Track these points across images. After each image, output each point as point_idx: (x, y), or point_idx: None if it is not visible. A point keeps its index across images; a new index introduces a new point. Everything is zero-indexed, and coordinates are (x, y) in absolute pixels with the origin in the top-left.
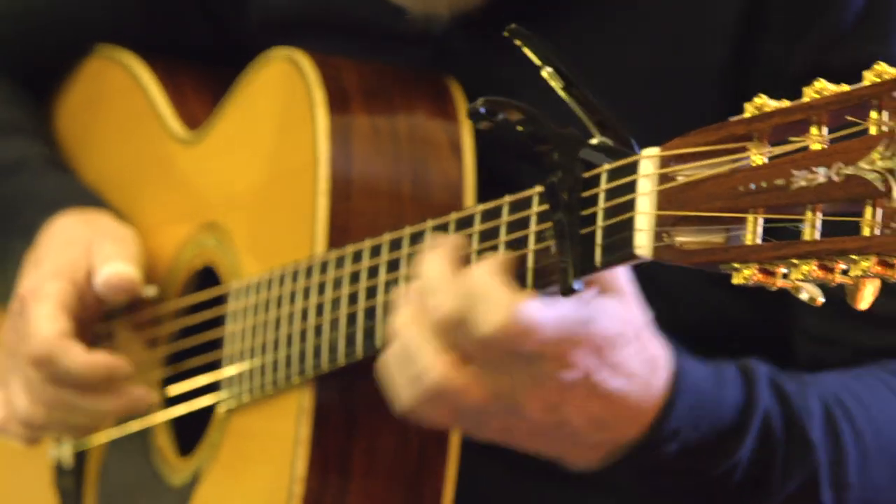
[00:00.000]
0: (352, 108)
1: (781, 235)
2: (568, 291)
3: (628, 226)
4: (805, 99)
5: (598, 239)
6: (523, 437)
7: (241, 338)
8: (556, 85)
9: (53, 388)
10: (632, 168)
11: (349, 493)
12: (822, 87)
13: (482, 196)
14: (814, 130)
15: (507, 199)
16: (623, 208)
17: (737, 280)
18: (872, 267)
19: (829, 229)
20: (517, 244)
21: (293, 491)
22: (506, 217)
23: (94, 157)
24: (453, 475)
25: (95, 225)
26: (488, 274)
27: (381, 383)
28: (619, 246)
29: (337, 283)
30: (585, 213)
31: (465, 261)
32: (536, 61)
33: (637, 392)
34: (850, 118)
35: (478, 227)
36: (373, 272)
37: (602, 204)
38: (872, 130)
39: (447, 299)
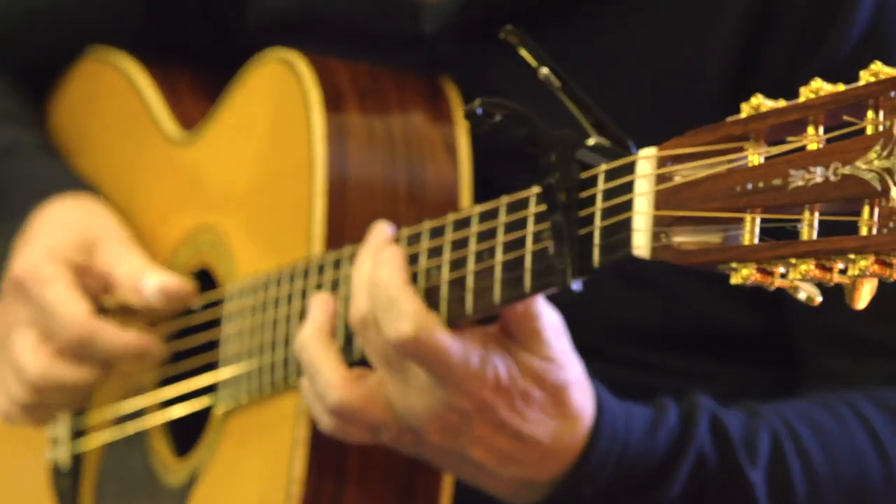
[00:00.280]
0: (347, 109)
1: (779, 235)
2: (566, 292)
3: (626, 226)
4: (801, 99)
5: (596, 239)
6: (433, 458)
7: (238, 339)
8: (553, 85)
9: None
10: (629, 168)
11: (346, 493)
12: (818, 87)
13: (477, 199)
14: (811, 130)
15: (505, 199)
16: (621, 209)
17: (735, 280)
18: (870, 266)
19: (826, 229)
20: (514, 245)
21: (291, 492)
22: (503, 218)
23: (89, 160)
24: (450, 476)
25: (87, 212)
26: (395, 283)
27: None
28: (616, 246)
29: (334, 285)
30: (583, 213)
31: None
32: (533, 62)
33: (550, 439)
34: (846, 118)
35: (475, 228)
36: None
37: (600, 204)
38: (869, 130)
39: (359, 297)
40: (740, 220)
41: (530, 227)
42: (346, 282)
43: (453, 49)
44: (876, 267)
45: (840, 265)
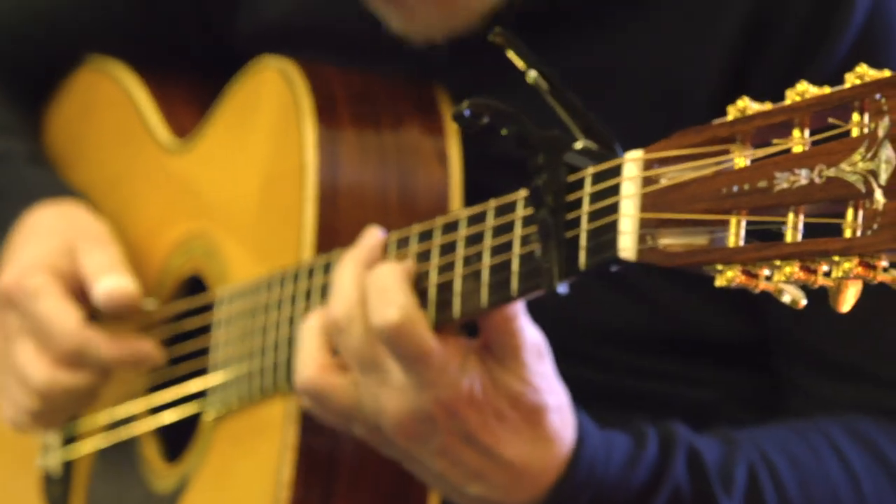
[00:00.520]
0: (339, 116)
1: (764, 238)
2: (552, 294)
3: (612, 228)
4: (787, 101)
5: (583, 242)
6: (403, 463)
7: (228, 345)
8: (541, 88)
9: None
10: (616, 171)
11: (335, 498)
12: (804, 90)
13: (468, 205)
14: (796, 133)
15: (493, 203)
16: (607, 211)
17: (720, 282)
18: (854, 268)
19: (811, 232)
20: (502, 249)
21: (279, 496)
22: (491, 221)
23: (84, 168)
24: None
25: (72, 218)
26: (392, 273)
27: None
28: (603, 248)
29: (324, 290)
30: (570, 216)
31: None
32: (521, 65)
33: (522, 462)
34: (832, 120)
35: (463, 231)
36: None
37: (586, 207)
38: (854, 132)
39: (347, 292)
40: (726, 223)
41: (517, 231)
42: None
43: (446, 59)
44: (860, 269)
45: (824, 267)
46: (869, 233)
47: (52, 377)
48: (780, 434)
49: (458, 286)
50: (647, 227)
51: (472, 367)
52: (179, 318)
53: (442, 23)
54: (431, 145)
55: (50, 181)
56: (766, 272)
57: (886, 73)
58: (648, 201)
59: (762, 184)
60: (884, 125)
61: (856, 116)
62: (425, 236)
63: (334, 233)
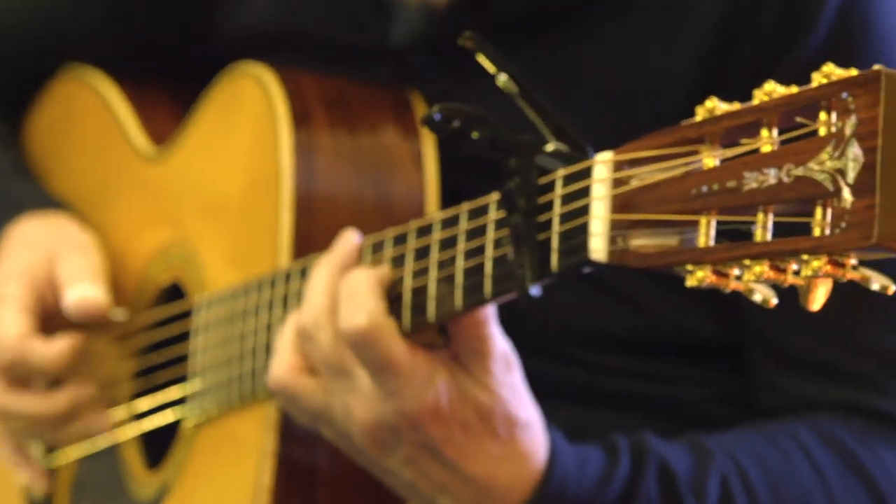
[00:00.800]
0: (315, 122)
1: (734, 237)
2: (525, 297)
3: (583, 230)
4: (755, 101)
5: (555, 244)
6: (372, 471)
7: (207, 352)
8: (511, 91)
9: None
10: (586, 173)
11: (315, 503)
12: (771, 90)
13: (443, 208)
14: (764, 132)
15: (466, 206)
16: (578, 213)
17: (691, 282)
18: (823, 266)
19: (781, 232)
20: (475, 252)
21: (259, 502)
22: (464, 225)
23: (63, 178)
24: None
25: (56, 230)
26: (364, 279)
27: None
28: (574, 251)
29: (300, 295)
30: (542, 218)
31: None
32: (491, 69)
33: (490, 477)
34: (799, 119)
35: (437, 234)
36: None
37: (558, 209)
38: (822, 131)
39: (317, 299)
40: (696, 223)
41: (490, 234)
42: None
43: (423, 61)
44: (829, 267)
45: (794, 266)
46: (837, 231)
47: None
48: (750, 439)
49: (432, 290)
50: (618, 229)
51: (439, 379)
52: (159, 326)
53: None
54: (407, 149)
55: (35, 193)
56: (736, 272)
57: (853, 71)
58: (619, 203)
59: (731, 184)
60: (851, 124)
61: (823, 115)
62: (400, 240)
63: (311, 238)
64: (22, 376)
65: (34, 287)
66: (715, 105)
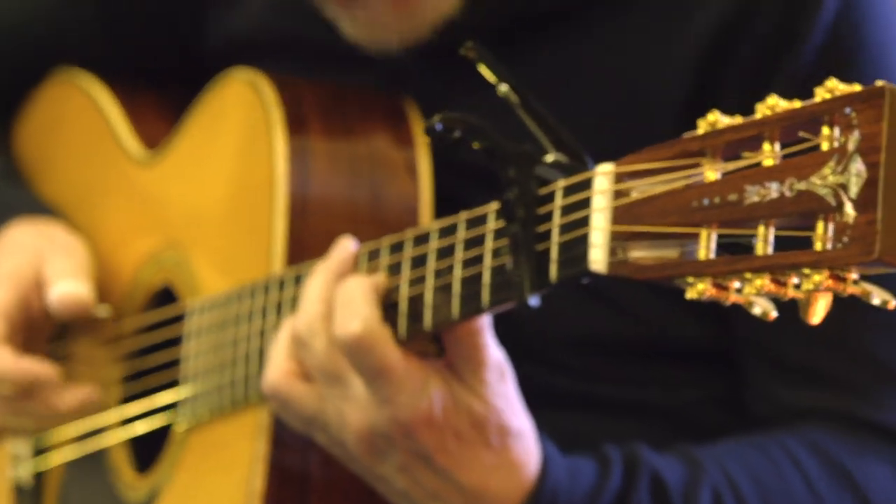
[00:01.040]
0: (309, 128)
1: (735, 251)
2: (523, 307)
3: (583, 242)
4: (758, 115)
5: (554, 255)
6: (366, 478)
7: (199, 357)
8: (512, 102)
9: None
10: (586, 184)
11: None
12: (774, 104)
13: (437, 215)
14: (766, 146)
15: (464, 215)
16: (578, 224)
17: (690, 295)
18: (825, 281)
19: (782, 245)
20: (473, 261)
21: None
22: (462, 234)
23: (54, 181)
24: None
25: (46, 235)
26: (360, 287)
27: None
28: (574, 262)
29: (294, 302)
30: (541, 229)
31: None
32: (492, 79)
33: (482, 486)
34: (802, 134)
35: (434, 244)
36: None
37: (557, 220)
38: (824, 146)
39: (312, 305)
40: (696, 236)
41: (489, 244)
42: None
43: (416, 66)
44: (830, 282)
45: (795, 280)
46: (839, 246)
47: None
48: (741, 451)
49: (429, 298)
50: (618, 240)
51: (433, 388)
52: (150, 330)
53: (397, 29)
54: (401, 157)
55: (25, 198)
56: (736, 285)
57: (856, 87)
58: (619, 214)
59: (733, 197)
60: (854, 139)
61: (826, 130)
62: (396, 248)
63: (305, 244)
64: None
65: (19, 290)
66: (717, 118)
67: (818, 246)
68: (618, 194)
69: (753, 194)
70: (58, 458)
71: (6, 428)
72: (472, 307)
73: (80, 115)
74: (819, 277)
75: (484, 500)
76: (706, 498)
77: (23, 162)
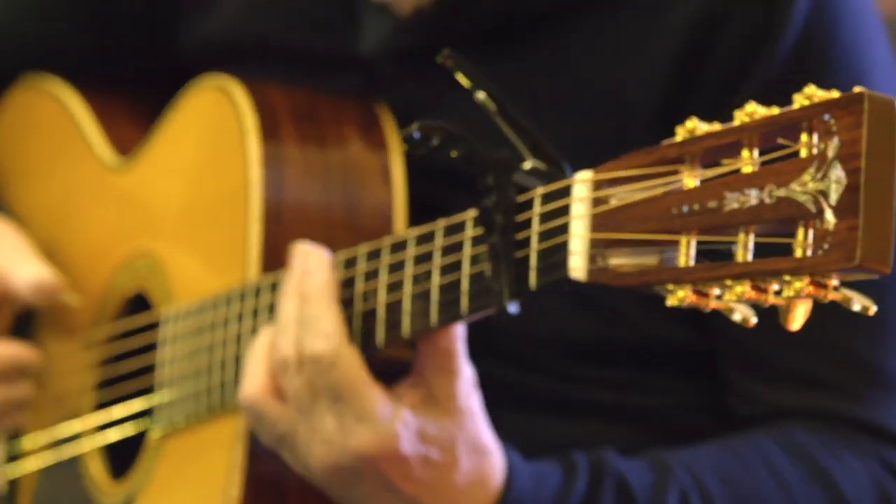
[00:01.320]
0: (283, 134)
1: (714, 257)
2: (502, 314)
3: (562, 249)
4: (736, 122)
5: (533, 262)
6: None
7: (174, 363)
8: (489, 109)
9: None
10: (565, 191)
11: None
12: (753, 111)
13: (416, 223)
14: (745, 153)
15: (442, 223)
16: (557, 231)
17: (671, 301)
18: (805, 287)
19: (762, 252)
20: (451, 268)
21: None
22: (440, 241)
23: (25, 188)
24: None
25: None
26: (323, 302)
27: None
28: (553, 269)
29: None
30: (520, 236)
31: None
32: (469, 86)
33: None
34: (781, 141)
35: (412, 251)
36: None
37: (536, 227)
38: (803, 153)
39: (289, 332)
40: (676, 242)
41: (467, 251)
42: None
43: (391, 71)
44: (811, 288)
45: (775, 286)
46: (820, 252)
47: None
48: (714, 453)
49: (407, 305)
50: (598, 248)
51: (399, 419)
52: (124, 336)
53: None
54: (375, 162)
55: None
56: (716, 291)
57: (835, 93)
58: (598, 222)
59: (712, 204)
60: (833, 145)
61: (805, 137)
62: (373, 255)
63: (280, 251)
64: None
65: None
66: (696, 125)
67: (798, 252)
68: (597, 201)
69: (733, 201)
70: (32, 465)
71: None
72: (450, 314)
73: (51, 121)
74: (800, 284)
75: None
76: (673, 500)
77: None
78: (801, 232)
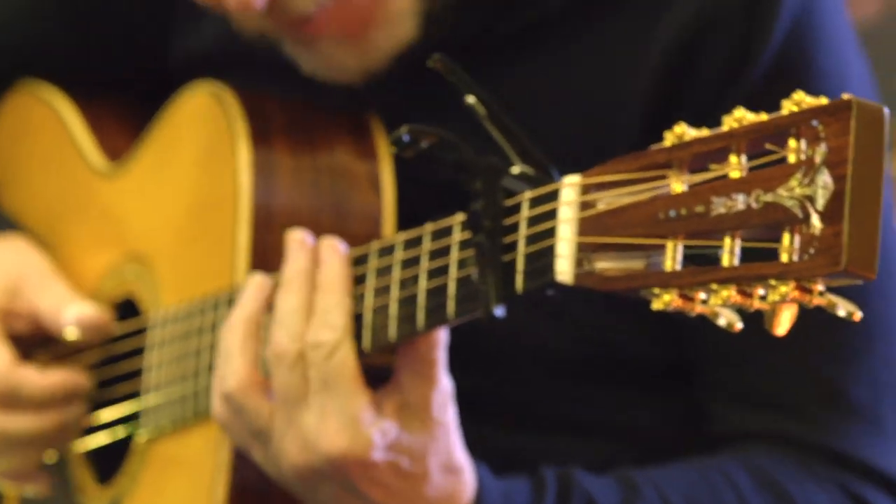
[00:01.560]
0: (273, 141)
1: (701, 262)
2: (489, 318)
3: (549, 252)
4: (725, 128)
5: (520, 266)
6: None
7: (161, 368)
8: (478, 114)
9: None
10: (553, 196)
11: None
12: (741, 116)
13: (399, 227)
14: (733, 158)
15: (429, 227)
16: (544, 235)
17: (657, 305)
18: (791, 292)
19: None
20: (438, 272)
21: None
22: (427, 245)
23: (15, 194)
24: None
25: (15, 253)
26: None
27: None
28: (540, 272)
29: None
30: (507, 240)
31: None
32: (459, 89)
33: None
34: (769, 146)
35: (399, 255)
36: None
37: (524, 231)
38: (791, 158)
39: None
40: (662, 247)
41: (454, 255)
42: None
43: (379, 84)
44: (797, 293)
45: (761, 291)
46: (805, 257)
47: None
48: (681, 475)
49: (394, 309)
50: (585, 251)
51: (376, 425)
52: (112, 341)
53: (355, 64)
54: (365, 170)
55: None
56: (702, 296)
57: (823, 100)
58: (586, 226)
59: (699, 209)
60: (820, 151)
61: (792, 142)
62: (361, 260)
63: (268, 256)
64: (11, 403)
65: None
66: (684, 130)
67: (784, 257)
68: (584, 205)
69: (720, 206)
70: None
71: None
72: (437, 318)
73: (43, 127)
74: (785, 289)
75: None
76: None
77: None
78: (787, 237)
